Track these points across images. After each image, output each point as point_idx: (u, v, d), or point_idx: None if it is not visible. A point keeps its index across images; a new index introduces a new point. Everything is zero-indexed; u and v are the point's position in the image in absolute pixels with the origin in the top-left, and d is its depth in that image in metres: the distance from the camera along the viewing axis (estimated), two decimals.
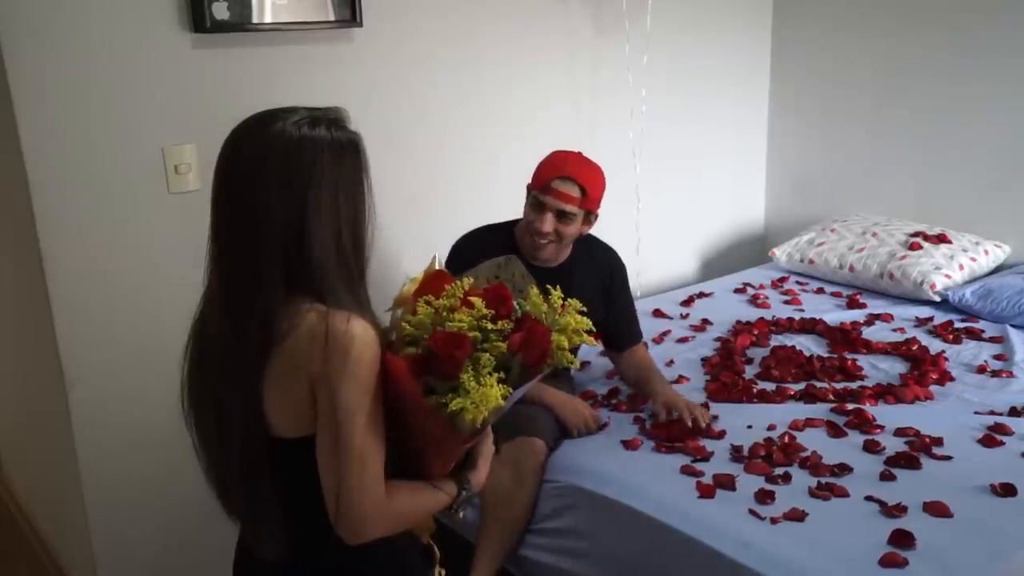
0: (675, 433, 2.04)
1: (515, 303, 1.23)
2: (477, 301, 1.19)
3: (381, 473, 1.15)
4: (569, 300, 1.27)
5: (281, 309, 1.13)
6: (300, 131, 1.15)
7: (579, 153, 2.16)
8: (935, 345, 2.58)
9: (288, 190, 1.12)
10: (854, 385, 2.33)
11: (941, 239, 3.03)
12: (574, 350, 1.26)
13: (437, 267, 1.31)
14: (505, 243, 2.15)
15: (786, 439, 2.02)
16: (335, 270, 1.16)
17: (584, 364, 2.47)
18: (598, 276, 2.25)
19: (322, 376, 1.11)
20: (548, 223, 2.09)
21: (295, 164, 1.13)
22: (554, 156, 2.15)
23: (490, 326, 1.17)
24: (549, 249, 2.14)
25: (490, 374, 1.14)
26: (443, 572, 1.40)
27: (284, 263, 1.13)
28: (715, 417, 2.14)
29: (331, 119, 1.18)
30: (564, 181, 2.08)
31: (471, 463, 1.29)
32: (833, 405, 2.20)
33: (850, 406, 2.18)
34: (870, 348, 2.56)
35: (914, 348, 2.53)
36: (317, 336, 1.10)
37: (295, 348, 1.12)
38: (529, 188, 2.15)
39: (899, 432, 2.04)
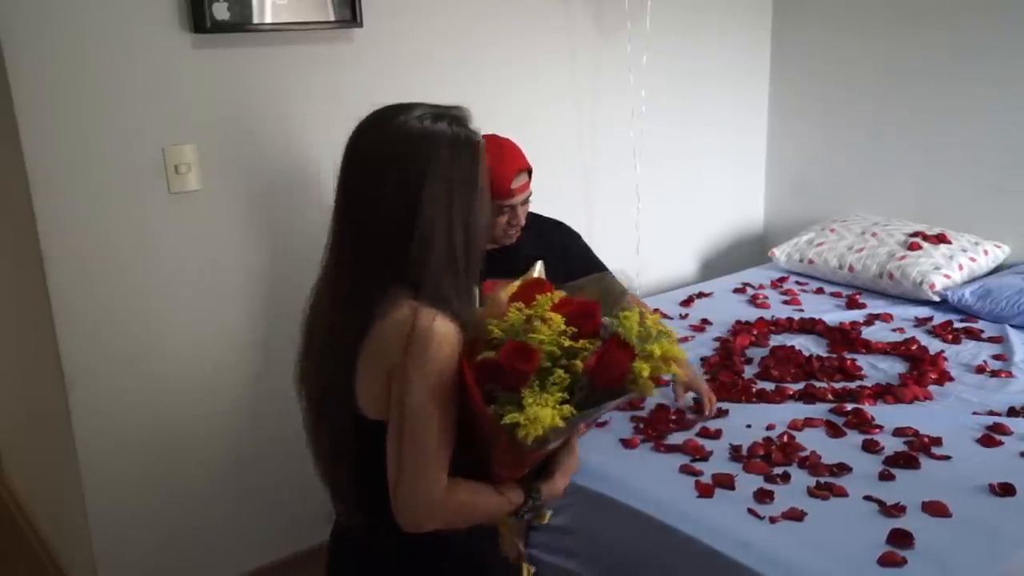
0: (662, 426, 2.05)
1: (605, 320, 1.20)
2: (556, 317, 1.16)
3: (442, 469, 1.16)
4: (662, 328, 1.20)
5: (382, 297, 1.16)
6: (421, 124, 1.18)
7: (493, 137, 2.11)
8: (934, 345, 2.58)
9: (405, 182, 1.16)
10: (853, 385, 2.33)
11: (940, 239, 3.03)
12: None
13: (536, 275, 1.29)
14: None
15: (785, 439, 2.02)
16: (442, 265, 1.18)
17: None
18: (550, 245, 2.23)
19: (398, 368, 1.14)
20: (523, 216, 2.13)
21: (413, 157, 1.16)
22: (490, 162, 2.06)
23: (568, 343, 1.15)
24: (519, 234, 2.17)
25: (552, 393, 1.11)
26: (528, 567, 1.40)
27: (393, 253, 1.16)
28: (722, 412, 2.17)
29: (453, 116, 1.21)
30: (518, 176, 2.09)
31: (547, 473, 1.28)
32: (832, 405, 2.21)
33: (849, 406, 2.18)
34: (869, 348, 2.56)
35: (913, 348, 2.53)
36: (401, 328, 1.14)
37: (381, 336, 1.16)
38: None
39: (898, 432, 2.04)
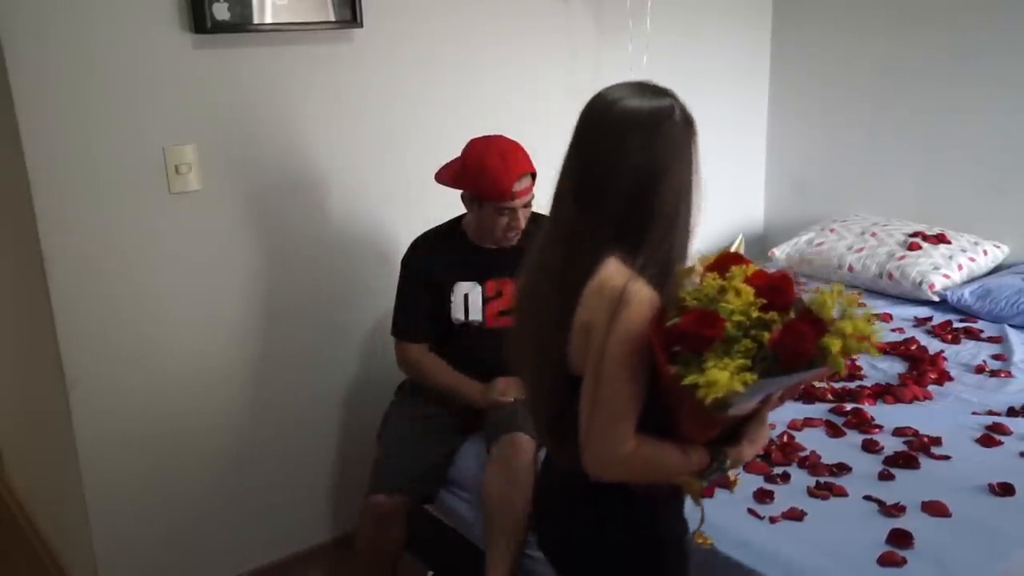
0: None
1: (800, 296, 1.23)
2: (747, 289, 1.20)
3: (631, 422, 1.23)
4: (866, 308, 1.23)
5: (599, 260, 1.24)
6: (662, 102, 1.28)
7: (500, 139, 2.15)
8: (934, 345, 2.58)
9: (646, 151, 1.24)
10: (853, 385, 2.33)
11: (940, 239, 3.03)
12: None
13: (734, 249, 1.32)
14: (456, 238, 2.22)
15: (785, 439, 2.02)
16: (661, 237, 1.26)
17: None
18: None
19: (599, 325, 1.21)
20: (523, 219, 2.14)
21: (656, 131, 1.25)
22: (494, 163, 2.09)
23: (757, 314, 1.18)
24: (520, 236, 2.18)
25: (734, 359, 1.14)
26: (704, 531, 1.45)
27: (621, 217, 1.25)
28: None
29: (683, 104, 1.30)
30: (521, 179, 2.10)
31: (736, 439, 1.32)
32: (832, 405, 2.21)
33: (849, 406, 2.19)
34: None
35: (913, 348, 2.53)
36: (604, 288, 1.23)
37: (588, 295, 1.25)
38: (483, 200, 2.12)
39: (898, 432, 2.05)
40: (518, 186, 2.09)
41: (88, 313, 2.08)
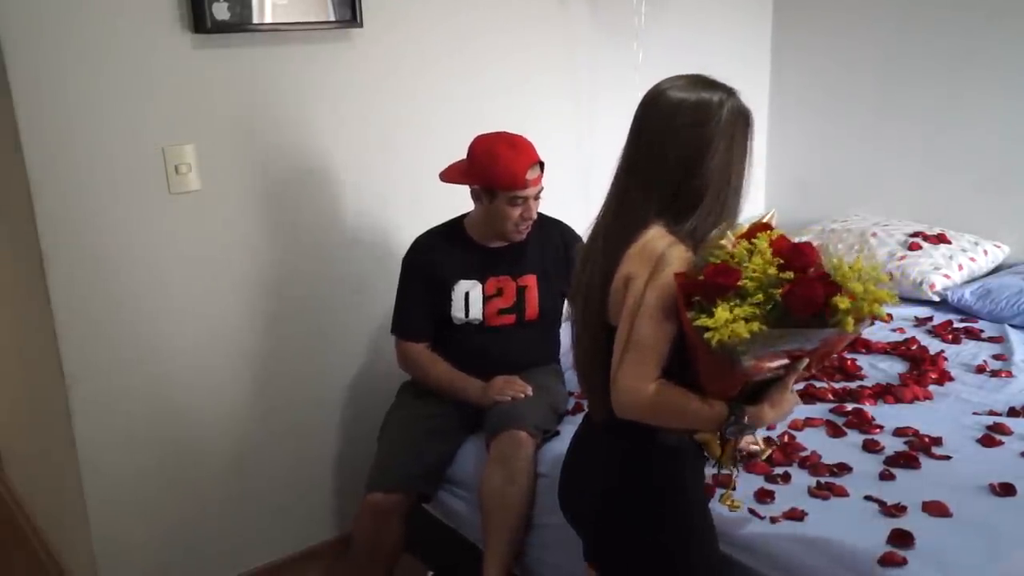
0: None
1: (825, 260, 1.33)
2: (765, 248, 1.31)
3: (656, 366, 1.36)
4: (880, 276, 1.30)
5: (644, 223, 1.41)
6: (712, 89, 1.44)
7: (506, 132, 2.18)
8: (934, 345, 2.58)
9: (696, 130, 1.39)
10: (853, 385, 2.33)
11: (940, 239, 3.03)
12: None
13: (767, 220, 1.44)
14: (458, 237, 2.23)
15: (785, 439, 2.02)
16: (706, 211, 1.41)
17: None
18: (551, 244, 2.28)
19: (636, 277, 1.37)
20: (535, 210, 2.17)
21: (704, 112, 1.40)
22: (506, 152, 2.11)
23: (772, 271, 1.28)
24: (529, 229, 2.20)
25: (742, 307, 1.24)
26: (733, 494, 1.59)
27: (666, 190, 1.41)
28: None
29: (738, 98, 1.46)
30: (532, 168, 2.12)
31: (758, 400, 1.40)
32: (832, 405, 2.21)
33: (849, 406, 2.18)
34: (869, 348, 2.56)
35: (913, 348, 2.53)
36: (646, 248, 1.38)
37: (630, 253, 1.40)
38: (496, 190, 2.12)
39: (898, 432, 2.04)
40: (530, 174, 2.11)
41: (88, 313, 2.08)
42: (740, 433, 1.42)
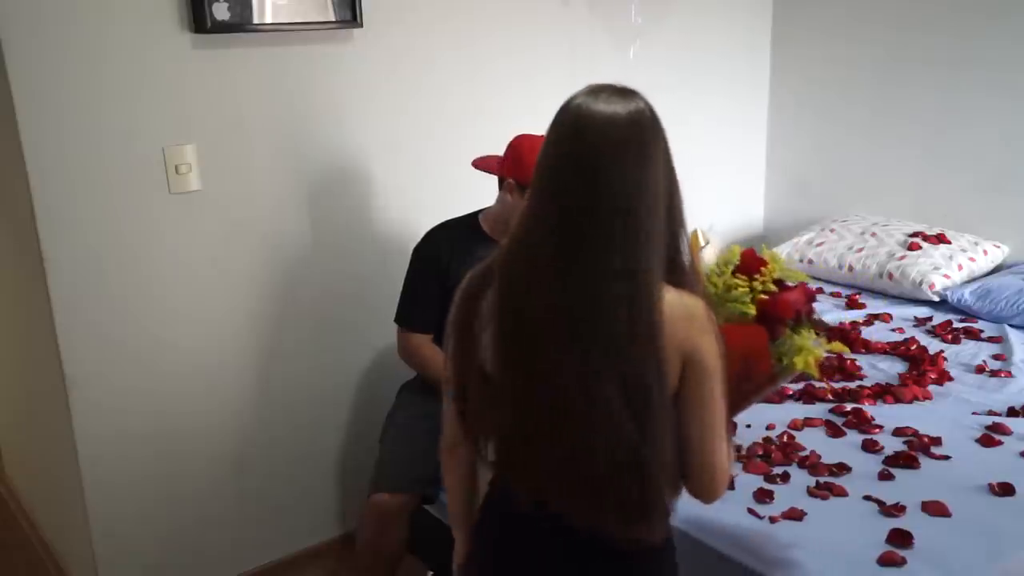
0: None
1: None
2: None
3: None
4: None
5: (659, 279, 1.17)
6: (638, 108, 1.18)
7: (530, 136, 2.16)
8: (934, 345, 2.58)
9: (651, 168, 1.16)
10: (853, 385, 2.33)
11: (940, 239, 3.03)
12: None
13: (702, 240, 1.57)
14: (472, 232, 2.21)
15: (785, 438, 2.02)
16: (677, 244, 1.21)
17: None
18: None
19: (701, 351, 1.19)
20: None
21: (651, 141, 1.17)
22: (533, 144, 2.11)
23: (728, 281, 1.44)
24: None
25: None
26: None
27: (660, 238, 1.17)
28: None
29: (646, 100, 1.21)
30: None
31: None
32: (832, 405, 2.21)
33: (849, 406, 2.19)
34: (869, 348, 2.57)
35: (913, 348, 2.53)
36: (694, 315, 1.17)
37: (672, 323, 1.16)
38: (519, 182, 2.11)
39: (898, 432, 2.05)
40: None
41: (88, 313, 2.08)
42: None
